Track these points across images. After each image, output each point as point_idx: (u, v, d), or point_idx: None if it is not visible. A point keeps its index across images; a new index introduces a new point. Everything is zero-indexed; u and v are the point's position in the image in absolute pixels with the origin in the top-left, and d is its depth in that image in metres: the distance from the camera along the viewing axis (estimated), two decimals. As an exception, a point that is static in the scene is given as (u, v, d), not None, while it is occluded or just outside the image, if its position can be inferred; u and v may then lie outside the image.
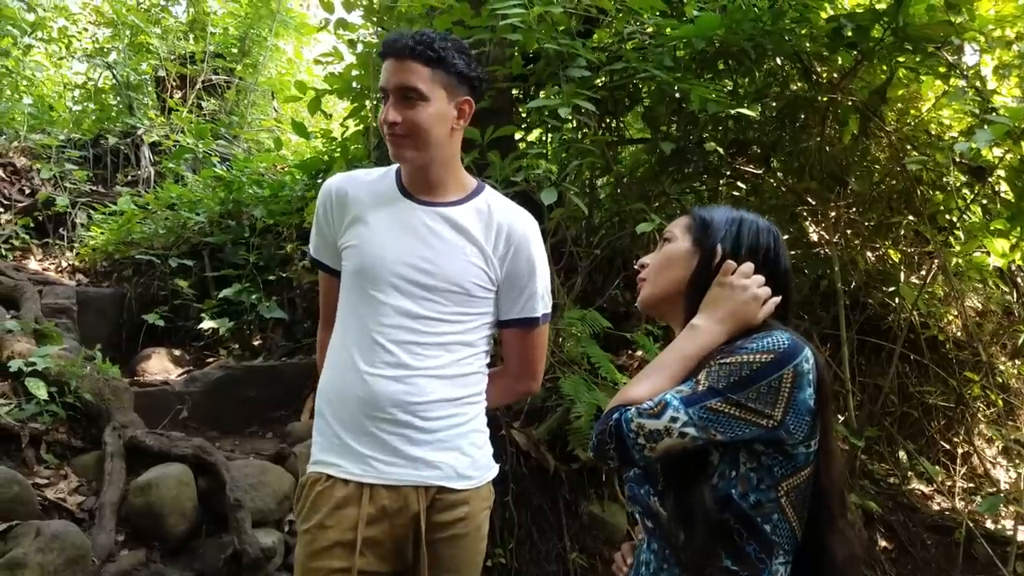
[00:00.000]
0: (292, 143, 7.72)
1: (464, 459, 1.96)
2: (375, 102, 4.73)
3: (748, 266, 1.50)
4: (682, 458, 1.40)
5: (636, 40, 4.32)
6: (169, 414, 4.27)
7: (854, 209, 5.21)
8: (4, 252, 5.87)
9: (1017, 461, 5.60)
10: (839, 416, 4.56)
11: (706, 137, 4.86)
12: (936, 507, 5.18)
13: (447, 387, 1.94)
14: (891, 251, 5.52)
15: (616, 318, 4.42)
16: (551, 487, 3.93)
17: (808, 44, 4.27)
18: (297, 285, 5.41)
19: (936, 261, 4.98)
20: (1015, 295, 5.75)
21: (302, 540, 1.93)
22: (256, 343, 5.31)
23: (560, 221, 4.15)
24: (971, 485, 5.52)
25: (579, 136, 4.36)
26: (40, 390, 3.57)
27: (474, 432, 2.01)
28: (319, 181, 5.14)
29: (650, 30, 4.22)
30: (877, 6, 4.13)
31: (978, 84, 4.37)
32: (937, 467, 5.49)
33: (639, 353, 4.51)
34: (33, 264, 5.95)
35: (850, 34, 4.05)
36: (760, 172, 5.11)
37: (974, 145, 3.67)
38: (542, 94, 4.15)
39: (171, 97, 8.18)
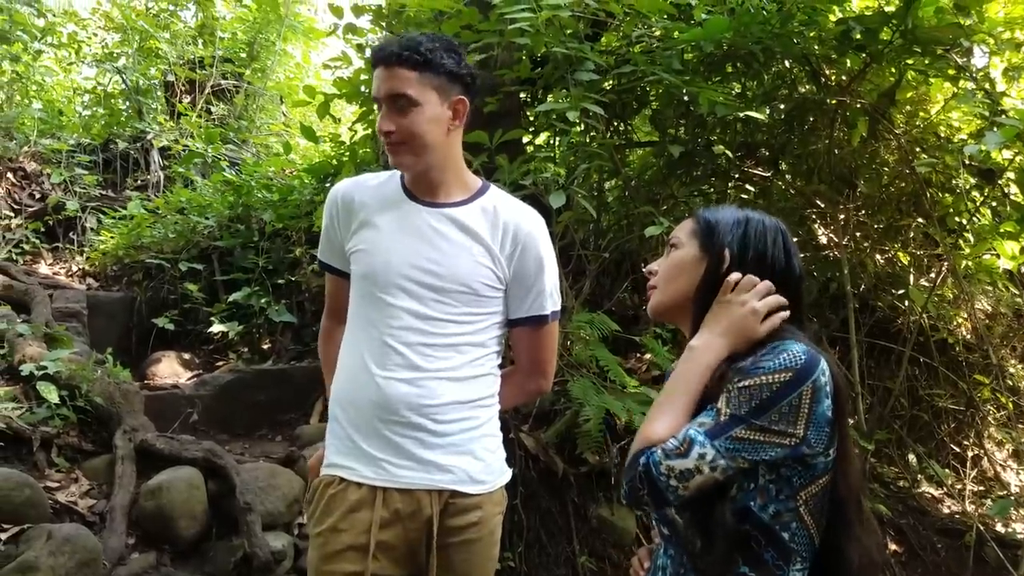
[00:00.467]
0: (301, 147, 7.74)
1: (477, 463, 1.95)
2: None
3: (750, 279, 1.48)
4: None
5: (644, 43, 4.32)
6: (179, 417, 4.29)
7: (863, 212, 5.20)
8: (15, 256, 5.90)
9: (1028, 464, 5.58)
10: (849, 419, 4.54)
11: (714, 140, 4.86)
12: (946, 510, 5.16)
13: (459, 389, 1.94)
14: (900, 254, 5.50)
15: (625, 321, 4.42)
16: (560, 490, 3.92)
17: (817, 47, 4.26)
18: (306, 289, 5.42)
19: (946, 264, 4.96)
20: (1025, 297, 5.73)
21: (315, 543, 1.93)
22: (265, 346, 5.32)
23: (568, 224, 4.15)
24: (981, 488, 5.50)
25: (587, 139, 4.36)
26: (51, 394, 3.59)
27: (487, 436, 2.01)
28: (328, 185, 5.15)
29: (658, 33, 4.22)
30: (886, 9, 4.13)
31: (987, 86, 4.35)
32: (947, 470, 5.47)
33: (648, 356, 4.51)
34: (44, 268, 5.98)
35: (859, 37, 4.04)
36: (769, 175, 5.11)
37: (984, 147, 3.65)
38: (550, 98, 4.16)
39: (180, 102, 8.21)
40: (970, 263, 5.29)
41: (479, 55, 4.10)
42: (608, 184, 5.20)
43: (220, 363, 5.21)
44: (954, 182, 4.90)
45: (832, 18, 4.19)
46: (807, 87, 4.73)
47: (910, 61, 4.34)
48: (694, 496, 1.38)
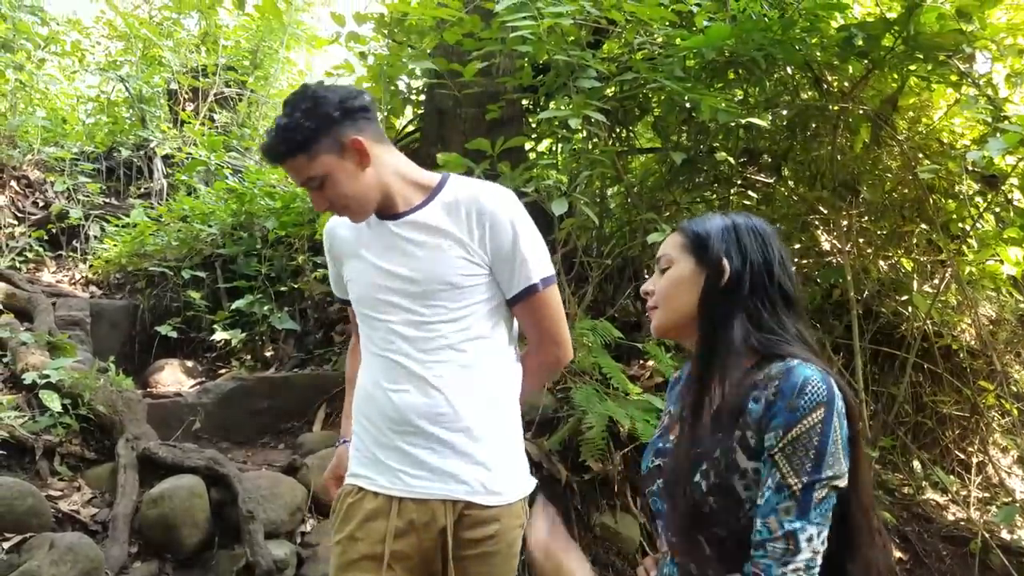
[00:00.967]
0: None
1: (493, 474, 1.94)
2: (386, 114, 4.76)
3: None
4: (711, 496, 1.39)
5: (646, 51, 4.32)
6: (182, 425, 4.28)
7: (866, 218, 5.20)
8: (18, 264, 5.91)
9: (1033, 471, 5.56)
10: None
11: (717, 146, 4.86)
12: (951, 517, 5.14)
13: (470, 392, 1.94)
14: (904, 260, 5.50)
15: (627, 328, 4.42)
16: (563, 498, 3.91)
17: (819, 53, 4.26)
18: (308, 296, 5.43)
19: (949, 270, 4.95)
20: (1029, 303, 5.72)
21: (334, 551, 1.96)
22: (268, 354, 5.32)
23: (571, 231, 4.15)
24: (986, 495, 5.48)
25: (589, 146, 4.37)
26: (54, 402, 3.59)
27: (505, 444, 2.00)
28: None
29: (660, 40, 4.23)
30: (888, 15, 4.13)
31: (990, 92, 4.35)
32: (952, 477, 5.45)
33: (651, 363, 4.50)
34: (47, 276, 5.99)
35: (861, 43, 4.04)
36: (771, 181, 5.11)
37: (986, 154, 3.65)
38: (552, 105, 4.16)
39: (183, 110, 8.23)
40: (974, 269, 5.28)
41: (481, 62, 4.11)
42: (610, 191, 5.20)
43: (223, 371, 5.20)
44: (957, 188, 4.90)
45: (834, 25, 4.19)
46: (809, 93, 4.74)
47: (912, 67, 4.34)
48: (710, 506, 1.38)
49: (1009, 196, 4.77)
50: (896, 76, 4.52)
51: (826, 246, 5.31)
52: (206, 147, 7.28)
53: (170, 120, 8.35)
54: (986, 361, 5.44)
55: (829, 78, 4.59)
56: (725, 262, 1.50)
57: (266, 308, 5.27)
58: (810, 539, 1.32)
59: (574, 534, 3.88)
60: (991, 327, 5.64)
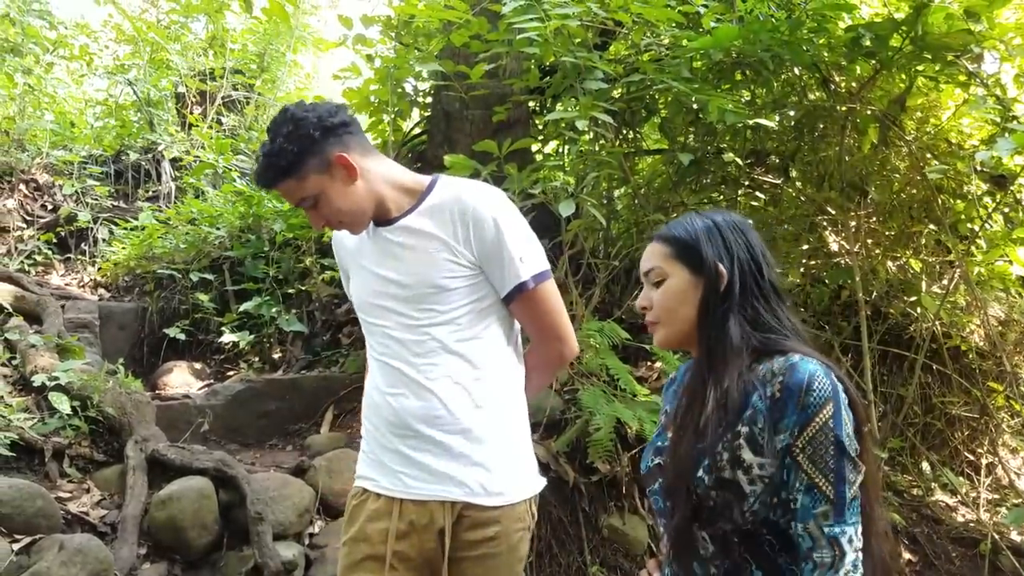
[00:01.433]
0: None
1: (492, 474, 1.93)
2: (393, 116, 4.76)
3: None
4: (714, 491, 1.40)
5: (653, 52, 4.33)
6: (190, 427, 4.29)
7: (874, 218, 5.18)
8: (27, 267, 5.93)
9: (1043, 472, 5.53)
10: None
11: (724, 147, 4.85)
12: (961, 519, 5.12)
13: (466, 394, 1.93)
14: (912, 260, 5.48)
15: (634, 329, 4.41)
16: (570, 500, 3.91)
17: (826, 54, 4.26)
18: (316, 298, 5.43)
19: (958, 270, 4.93)
20: (1038, 304, 5.69)
21: (341, 552, 1.99)
22: (276, 356, 5.33)
23: (578, 233, 4.15)
24: (996, 496, 5.45)
25: (596, 148, 4.37)
26: (63, 404, 3.60)
27: (506, 445, 1.99)
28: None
29: (667, 42, 4.23)
30: (895, 15, 4.12)
31: (998, 92, 4.33)
32: (961, 478, 5.43)
33: (658, 364, 4.50)
34: (56, 279, 6.01)
35: (868, 43, 4.03)
36: (779, 182, 5.10)
37: (995, 154, 3.63)
38: (559, 106, 4.16)
39: (191, 113, 8.25)
40: (983, 270, 5.26)
41: (488, 64, 4.11)
42: (617, 192, 5.20)
43: (231, 373, 5.22)
44: (966, 188, 4.88)
45: (841, 25, 4.18)
46: (817, 94, 4.73)
47: (920, 67, 4.33)
48: (715, 507, 1.39)
49: (1018, 196, 4.75)
50: (904, 76, 4.51)
51: (834, 247, 5.29)
52: (214, 150, 7.29)
53: (178, 123, 8.38)
54: (995, 362, 5.41)
55: (837, 79, 4.58)
56: (722, 268, 1.50)
57: (274, 310, 5.28)
58: (851, 540, 1.35)
59: (582, 536, 3.88)
60: (1000, 328, 5.61)
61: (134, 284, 6.05)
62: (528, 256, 1.98)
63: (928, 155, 4.84)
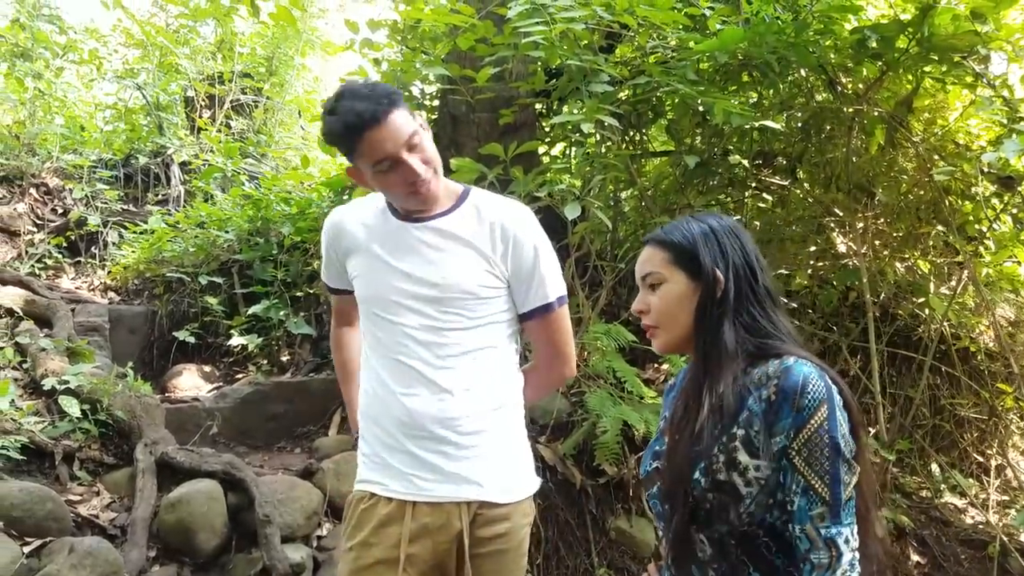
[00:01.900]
0: (319, 161, 7.78)
1: (504, 473, 1.98)
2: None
3: None
4: (711, 494, 1.41)
5: (659, 54, 4.32)
6: (199, 430, 4.31)
7: (882, 220, 5.17)
8: (38, 271, 5.97)
9: (1053, 474, 5.51)
10: (870, 429, 4.52)
11: (731, 149, 4.85)
12: (969, 521, 5.10)
13: (480, 397, 1.96)
14: (920, 262, 5.46)
15: (641, 332, 4.40)
16: (577, 502, 3.92)
17: (833, 55, 4.25)
18: (324, 301, 5.45)
19: (966, 271, 4.92)
20: (1048, 305, 5.67)
21: (347, 557, 1.98)
22: (284, 359, 5.35)
23: (584, 235, 4.15)
24: (1005, 498, 5.43)
25: (602, 150, 4.37)
26: (73, 407, 3.63)
27: (514, 444, 2.03)
28: (345, 198, 5.18)
29: (673, 44, 4.23)
30: (902, 17, 4.11)
31: (1006, 93, 4.32)
32: (970, 480, 5.41)
33: (664, 366, 4.50)
34: (66, 283, 6.05)
35: (875, 45, 4.03)
36: (786, 183, 5.09)
37: (1002, 155, 3.62)
38: (565, 109, 4.16)
39: (200, 117, 8.28)
40: (991, 271, 5.25)
41: (494, 68, 4.12)
42: (624, 194, 5.20)
43: (240, 376, 5.24)
44: (973, 190, 4.87)
45: (848, 27, 4.18)
46: (823, 96, 4.72)
47: (927, 69, 4.32)
48: (711, 508, 1.40)
49: (1026, 197, 4.74)
50: (911, 78, 4.49)
51: (842, 248, 5.29)
52: (223, 153, 7.33)
53: (187, 127, 8.41)
54: (1004, 363, 5.39)
55: (843, 80, 4.58)
56: (720, 274, 1.51)
57: (282, 313, 5.30)
58: (847, 540, 1.36)
59: (589, 538, 3.88)
60: (1009, 329, 5.59)
61: (144, 288, 6.08)
62: (555, 278, 2.07)
63: (935, 156, 4.83)
